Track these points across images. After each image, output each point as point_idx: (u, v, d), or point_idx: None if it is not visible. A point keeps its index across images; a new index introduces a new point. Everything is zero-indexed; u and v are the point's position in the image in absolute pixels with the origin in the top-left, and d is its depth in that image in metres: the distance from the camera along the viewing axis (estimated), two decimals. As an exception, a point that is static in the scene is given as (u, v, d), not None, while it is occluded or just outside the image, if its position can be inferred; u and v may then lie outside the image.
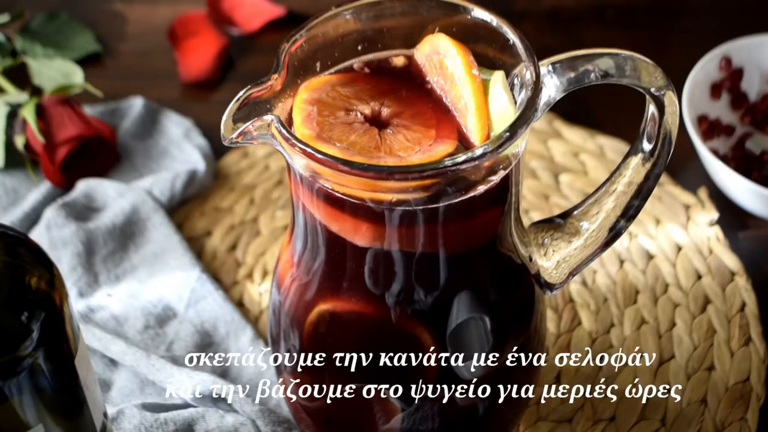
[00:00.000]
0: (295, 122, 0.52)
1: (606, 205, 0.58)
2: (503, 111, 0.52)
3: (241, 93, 0.51)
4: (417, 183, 0.49)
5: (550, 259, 0.60)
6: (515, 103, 0.53)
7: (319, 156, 0.49)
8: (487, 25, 0.55)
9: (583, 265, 0.60)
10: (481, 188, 0.51)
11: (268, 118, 0.50)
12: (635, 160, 0.58)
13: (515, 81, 0.54)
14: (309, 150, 0.49)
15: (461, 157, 0.48)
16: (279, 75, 0.53)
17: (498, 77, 0.53)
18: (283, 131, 0.50)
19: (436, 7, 0.56)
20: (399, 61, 0.57)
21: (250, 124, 0.50)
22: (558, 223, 0.60)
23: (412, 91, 0.55)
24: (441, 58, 0.54)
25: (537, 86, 0.51)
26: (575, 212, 0.60)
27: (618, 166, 0.58)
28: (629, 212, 0.58)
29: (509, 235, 0.56)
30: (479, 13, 0.55)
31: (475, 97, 0.52)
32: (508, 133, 0.49)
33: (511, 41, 0.54)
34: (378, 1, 0.56)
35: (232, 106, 0.51)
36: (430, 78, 0.56)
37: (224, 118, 0.51)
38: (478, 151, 0.49)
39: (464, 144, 0.53)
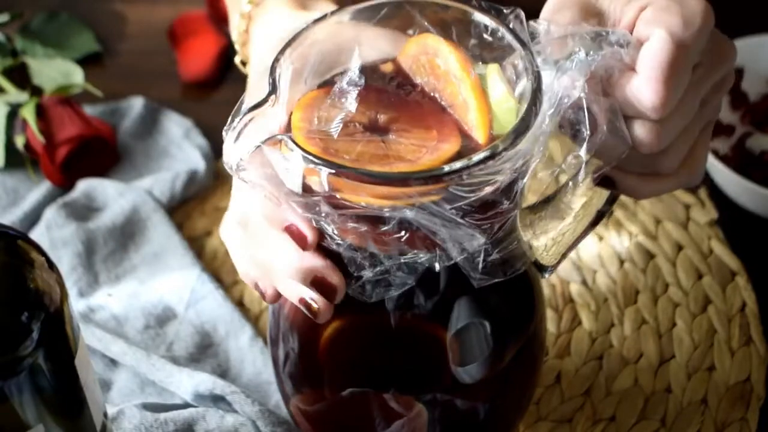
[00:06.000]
0: (297, 141, 0.51)
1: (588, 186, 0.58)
2: (504, 103, 0.52)
3: (240, 118, 0.50)
4: (440, 186, 0.48)
5: (539, 239, 0.59)
6: (514, 93, 0.53)
7: (342, 170, 0.48)
8: (471, 19, 0.54)
9: (574, 245, 0.60)
10: (488, 188, 0.50)
11: (279, 137, 0.50)
12: None
13: (510, 73, 0.53)
14: (325, 165, 0.48)
15: (480, 155, 0.48)
16: (275, 95, 0.52)
17: (493, 70, 0.53)
18: (298, 149, 0.49)
19: (416, 8, 0.55)
20: (384, 67, 0.56)
21: (262, 145, 0.50)
22: (545, 205, 0.60)
23: (401, 95, 0.54)
24: (430, 57, 0.54)
25: (538, 75, 0.51)
26: (559, 194, 0.59)
27: None
28: (611, 195, 0.58)
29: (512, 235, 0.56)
30: (461, 8, 0.54)
31: (474, 92, 0.52)
32: (517, 130, 0.49)
33: (500, 33, 0.54)
34: (360, 8, 0.55)
35: (236, 130, 0.50)
36: (420, 79, 0.55)
37: (227, 144, 0.50)
38: (500, 146, 0.48)
39: (467, 141, 0.52)
